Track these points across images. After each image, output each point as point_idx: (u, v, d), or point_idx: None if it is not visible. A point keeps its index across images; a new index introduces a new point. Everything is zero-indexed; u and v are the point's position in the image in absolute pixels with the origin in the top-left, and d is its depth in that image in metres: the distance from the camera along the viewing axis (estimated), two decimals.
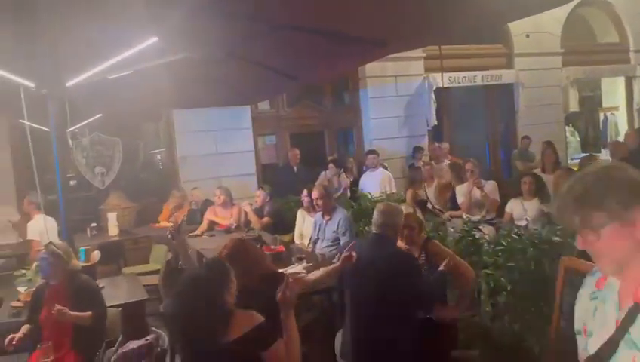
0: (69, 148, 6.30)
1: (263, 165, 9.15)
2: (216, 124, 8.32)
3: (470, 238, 3.94)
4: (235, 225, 6.54)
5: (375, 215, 3.20)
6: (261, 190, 6.72)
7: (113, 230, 6.85)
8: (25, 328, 3.43)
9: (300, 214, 5.83)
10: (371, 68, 8.87)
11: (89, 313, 3.40)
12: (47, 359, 2.99)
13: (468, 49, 9.60)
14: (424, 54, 9.30)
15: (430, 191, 6.12)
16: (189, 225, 6.98)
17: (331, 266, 3.26)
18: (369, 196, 6.33)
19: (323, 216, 5.01)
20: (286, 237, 5.76)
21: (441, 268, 3.15)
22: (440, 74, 9.08)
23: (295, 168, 8.44)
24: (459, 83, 9.55)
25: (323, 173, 8.28)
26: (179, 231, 3.63)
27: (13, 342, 3.24)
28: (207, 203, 7.16)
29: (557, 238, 3.49)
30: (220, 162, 8.27)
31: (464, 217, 5.41)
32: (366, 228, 5.35)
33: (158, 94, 6.05)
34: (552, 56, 10.39)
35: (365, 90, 9.34)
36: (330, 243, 4.84)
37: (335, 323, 3.63)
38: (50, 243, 3.68)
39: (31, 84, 4.25)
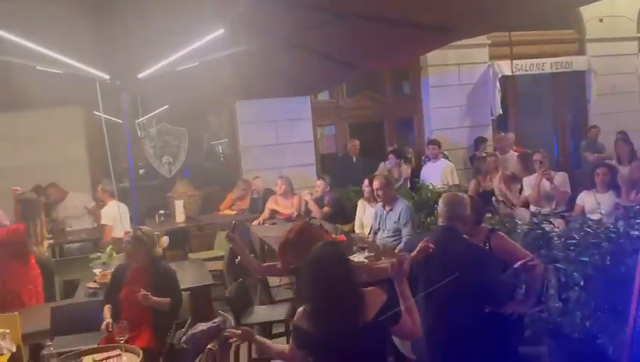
0: (139, 138, 6.60)
1: (322, 155, 9.19)
2: (277, 114, 8.43)
3: (539, 231, 3.79)
4: (295, 214, 6.64)
5: (441, 206, 3.12)
6: (321, 180, 6.76)
7: (180, 217, 7.11)
8: (108, 309, 3.62)
9: (361, 204, 5.83)
10: (433, 56, 8.68)
11: (168, 299, 3.57)
12: (122, 337, 3.15)
13: (536, 35, 9.20)
14: (489, 41, 9.00)
15: (495, 183, 5.93)
16: (252, 214, 7.14)
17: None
18: (430, 187, 6.22)
19: (384, 206, 4.97)
20: (346, 227, 5.78)
21: (517, 266, 3.03)
22: (505, 61, 8.82)
23: (354, 158, 8.44)
24: (526, 70, 9.18)
25: (382, 163, 8.23)
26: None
27: (110, 329, 3.39)
28: (269, 192, 7.30)
29: (635, 233, 3.30)
30: (280, 152, 8.38)
31: (532, 209, 5.21)
32: (428, 218, 5.28)
33: (222, 85, 6.21)
34: (627, 41, 9.76)
35: (426, 79, 9.15)
36: (391, 234, 4.80)
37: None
38: (138, 228, 3.86)
39: (105, 76, 4.48)
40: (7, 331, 3.57)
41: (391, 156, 7.63)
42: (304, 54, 4.91)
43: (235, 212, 7.54)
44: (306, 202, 6.64)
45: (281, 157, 8.30)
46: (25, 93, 5.62)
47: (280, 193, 6.89)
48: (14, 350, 3.53)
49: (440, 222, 3.14)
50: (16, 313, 3.82)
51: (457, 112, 9.12)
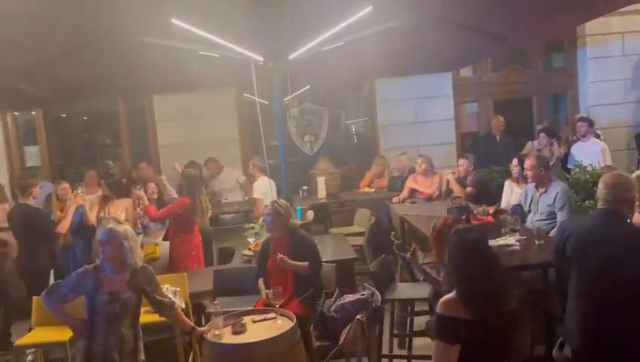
0: (286, 117, 6.92)
1: (462, 134, 8.88)
2: (416, 92, 8.30)
3: None
4: (436, 193, 6.53)
5: (600, 188, 2.86)
6: (465, 159, 6.54)
7: (322, 193, 7.38)
8: (262, 283, 3.91)
9: (508, 185, 5.55)
10: (592, 25, 7.86)
11: (306, 263, 3.78)
12: (277, 301, 3.38)
13: None
14: None
15: None
16: (391, 192, 7.16)
17: None
18: (589, 168, 5.70)
19: (537, 187, 4.67)
20: (491, 209, 5.53)
21: None
22: None
23: (498, 137, 8.02)
24: None
25: (530, 142, 7.73)
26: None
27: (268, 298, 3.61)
28: (409, 170, 7.24)
29: None
30: (419, 130, 8.27)
31: None
32: (586, 202, 4.87)
33: (363, 64, 6.24)
34: None
35: (584, 50, 8.36)
36: (544, 217, 4.50)
37: (550, 304, 3.41)
38: (275, 201, 4.11)
39: (260, 58, 4.73)
40: (178, 289, 4.02)
41: (542, 135, 7.12)
42: (452, 28, 4.74)
43: (374, 190, 7.62)
44: (447, 181, 6.48)
45: (420, 136, 8.19)
46: (187, 77, 6.14)
47: (420, 171, 6.80)
48: (184, 306, 3.97)
49: (600, 205, 2.88)
50: (184, 274, 4.29)
51: (620, 86, 8.25)
